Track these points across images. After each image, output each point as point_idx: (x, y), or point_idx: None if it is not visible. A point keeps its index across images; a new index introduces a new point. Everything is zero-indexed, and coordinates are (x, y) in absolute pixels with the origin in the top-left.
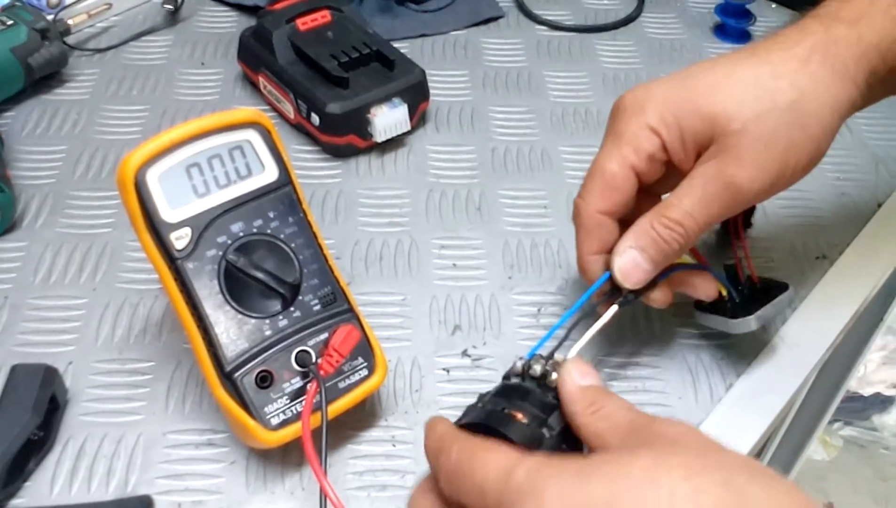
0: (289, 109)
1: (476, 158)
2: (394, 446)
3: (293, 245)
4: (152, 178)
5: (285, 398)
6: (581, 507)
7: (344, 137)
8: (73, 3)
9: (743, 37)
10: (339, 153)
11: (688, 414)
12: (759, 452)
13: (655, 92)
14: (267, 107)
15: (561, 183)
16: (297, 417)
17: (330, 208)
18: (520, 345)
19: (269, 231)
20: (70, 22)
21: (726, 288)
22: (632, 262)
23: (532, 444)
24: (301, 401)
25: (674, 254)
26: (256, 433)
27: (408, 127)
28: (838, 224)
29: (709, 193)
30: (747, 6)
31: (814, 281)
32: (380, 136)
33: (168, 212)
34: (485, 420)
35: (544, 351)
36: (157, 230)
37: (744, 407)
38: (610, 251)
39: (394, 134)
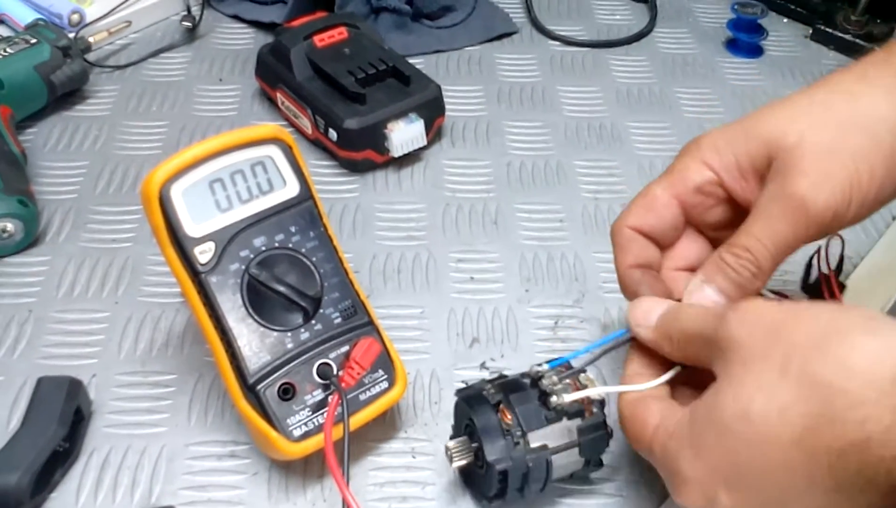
0: (306, 125)
1: (491, 173)
2: (414, 458)
3: (314, 259)
4: (176, 193)
5: (307, 410)
6: (720, 464)
7: (361, 152)
8: (94, 21)
9: (755, 51)
10: (356, 168)
11: None
12: None
13: (712, 132)
14: (284, 123)
15: (576, 197)
16: (319, 429)
17: (348, 222)
18: (537, 357)
19: (290, 245)
20: (91, 39)
21: None
22: (702, 296)
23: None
24: (323, 413)
25: (746, 284)
26: (279, 445)
27: (424, 142)
28: (853, 237)
29: (773, 212)
30: (759, 21)
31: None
32: (396, 151)
33: (192, 227)
34: (468, 405)
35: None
36: (181, 245)
37: None
38: (648, 266)
39: (410, 149)
